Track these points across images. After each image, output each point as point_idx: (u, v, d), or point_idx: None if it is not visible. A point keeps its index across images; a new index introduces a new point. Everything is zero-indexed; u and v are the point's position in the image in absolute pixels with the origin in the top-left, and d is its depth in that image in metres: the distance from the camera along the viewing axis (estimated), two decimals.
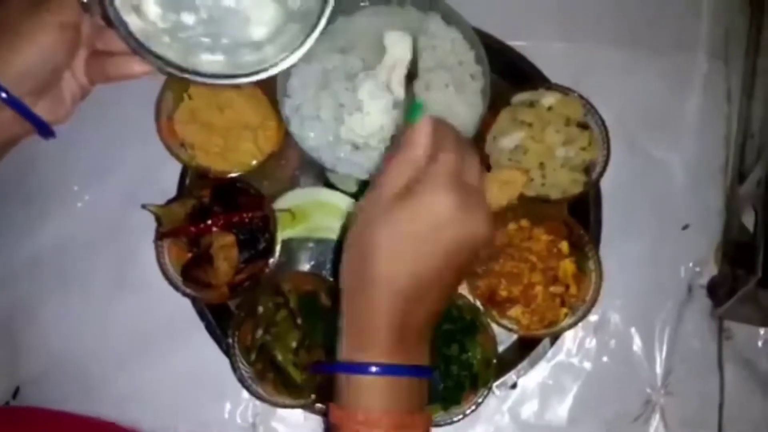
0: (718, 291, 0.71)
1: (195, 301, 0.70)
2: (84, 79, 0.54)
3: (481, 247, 0.49)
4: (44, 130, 0.53)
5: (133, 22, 0.50)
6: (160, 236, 0.67)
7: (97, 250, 0.73)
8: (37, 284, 0.72)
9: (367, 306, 0.48)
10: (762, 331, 0.71)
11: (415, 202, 0.46)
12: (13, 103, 0.49)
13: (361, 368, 0.47)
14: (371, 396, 0.47)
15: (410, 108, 0.49)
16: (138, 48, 0.50)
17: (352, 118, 0.64)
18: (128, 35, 0.50)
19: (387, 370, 0.47)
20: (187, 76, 0.51)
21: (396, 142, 0.48)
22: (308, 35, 0.52)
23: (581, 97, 0.69)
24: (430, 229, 0.46)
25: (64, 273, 0.72)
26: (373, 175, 0.51)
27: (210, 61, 0.53)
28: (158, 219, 0.68)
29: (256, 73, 0.52)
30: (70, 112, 0.54)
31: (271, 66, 0.52)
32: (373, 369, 0.47)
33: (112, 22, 0.50)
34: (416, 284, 0.47)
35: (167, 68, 0.51)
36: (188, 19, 0.52)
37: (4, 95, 0.48)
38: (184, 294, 0.67)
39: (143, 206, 0.68)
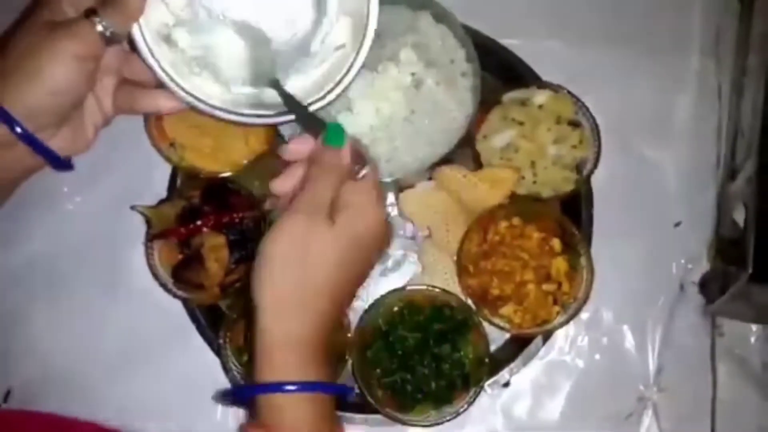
0: (710, 287, 0.71)
1: (186, 303, 0.69)
2: (110, 108, 0.52)
3: None
4: (60, 164, 0.50)
5: (162, 53, 0.48)
6: (150, 238, 0.67)
7: (87, 252, 0.72)
8: (29, 287, 0.72)
9: (305, 321, 0.47)
10: (754, 327, 0.71)
11: (352, 213, 0.49)
12: (27, 138, 0.47)
13: (302, 386, 0.47)
14: (297, 414, 0.47)
15: (332, 131, 0.51)
16: (168, 82, 0.48)
17: (341, 117, 0.64)
18: (158, 69, 0.48)
19: (309, 387, 0.47)
20: (218, 113, 0.50)
21: (314, 160, 0.51)
22: (337, 82, 0.52)
23: (572, 95, 0.69)
24: (367, 237, 0.50)
25: (55, 276, 0.72)
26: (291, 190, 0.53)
27: (240, 93, 0.51)
28: (148, 220, 0.67)
29: (285, 113, 0.51)
30: (91, 141, 0.52)
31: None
32: (311, 386, 0.47)
33: (139, 52, 0.48)
34: (349, 291, 0.51)
35: (197, 104, 0.49)
36: (219, 37, 0.50)
37: (18, 130, 0.46)
38: (175, 295, 0.67)
39: (132, 207, 0.68)
